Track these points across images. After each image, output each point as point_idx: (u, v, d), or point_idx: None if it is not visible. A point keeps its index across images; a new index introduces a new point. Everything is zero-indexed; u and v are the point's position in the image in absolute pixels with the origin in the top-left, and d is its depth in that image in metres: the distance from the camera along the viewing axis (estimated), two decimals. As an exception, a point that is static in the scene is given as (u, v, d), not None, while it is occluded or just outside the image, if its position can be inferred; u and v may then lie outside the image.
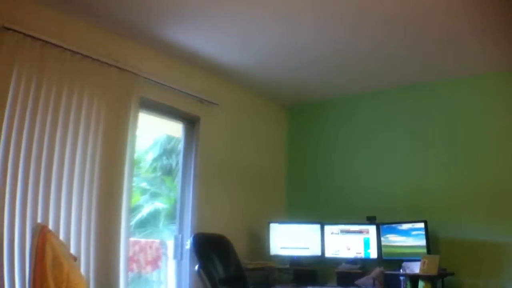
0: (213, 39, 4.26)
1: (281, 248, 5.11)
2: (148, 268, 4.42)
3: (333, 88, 5.46)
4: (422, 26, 3.95)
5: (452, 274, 4.40)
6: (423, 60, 4.65)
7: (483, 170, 4.70)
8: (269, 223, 5.15)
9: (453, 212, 4.74)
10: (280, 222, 5.20)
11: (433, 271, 4.20)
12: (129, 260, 4.06)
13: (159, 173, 5.21)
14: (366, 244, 4.88)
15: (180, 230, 4.61)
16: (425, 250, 4.43)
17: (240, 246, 4.80)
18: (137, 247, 4.46)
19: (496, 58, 4.52)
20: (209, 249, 4.21)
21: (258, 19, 3.91)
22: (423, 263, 4.29)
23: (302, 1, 3.62)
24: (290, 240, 5.12)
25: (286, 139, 6.03)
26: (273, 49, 4.49)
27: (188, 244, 4.35)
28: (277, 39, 4.27)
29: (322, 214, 5.28)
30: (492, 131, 4.73)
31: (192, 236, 4.28)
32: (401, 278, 4.43)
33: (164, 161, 5.15)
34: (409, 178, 5.07)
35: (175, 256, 4.54)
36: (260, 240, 5.19)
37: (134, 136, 4.00)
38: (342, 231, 5.00)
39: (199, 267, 3.96)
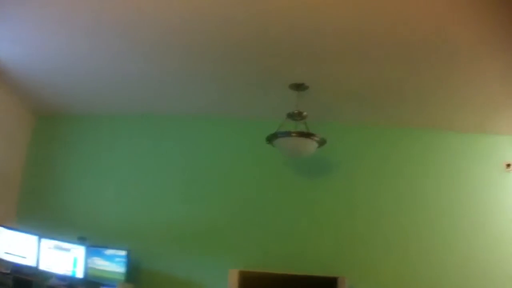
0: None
1: (5, 253, 4.94)
2: None
3: (86, 105, 5.47)
4: (194, 61, 4.18)
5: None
6: (178, 93, 4.93)
7: (199, 209, 5.21)
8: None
9: (162, 246, 5.12)
10: (4, 227, 4.99)
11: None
12: None
13: None
14: (75, 262, 4.95)
15: None
16: (123, 278, 4.68)
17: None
18: None
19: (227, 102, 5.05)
20: None
21: (29, 18, 3.72)
22: (118, 291, 4.58)
23: (73, 15, 3.60)
24: (13, 246, 4.97)
25: (28, 145, 5.78)
26: (33, 54, 4.33)
27: None
28: (41, 44, 4.13)
29: (47, 226, 5.20)
30: (213, 173, 5.30)
31: None
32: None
33: None
34: (128, 206, 5.32)
35: None
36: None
37: None
38: (56, 247, 5.00)
39: None
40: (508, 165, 5.29)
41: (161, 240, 5.16)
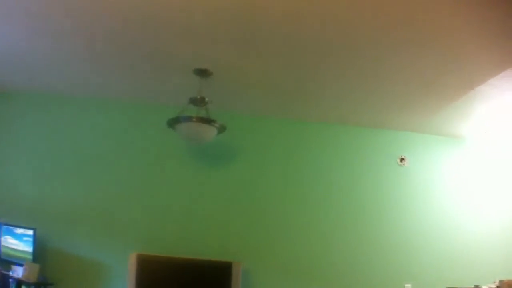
0: None
1: None
2: None
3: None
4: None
5: (52, 284, 4.78)
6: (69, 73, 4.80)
7: (103, 192, 5.20)
8: None
9: (68, 227, 5.09)
10: None
11: (33, 279, 4.55)
12: None
13: None
14: (-6, 240, 4.93)
15: None
16: (31, 257, 4.68)
17: None
18: None
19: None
20: None
21: None
22: (25, 269, 4.60)
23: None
24: None
25: None
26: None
27: None
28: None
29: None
30: (115, 156, 5.30)
31: None
32: (11, 280, 4.67)
33: None
34: (37, 185, 5.21)
35: None
36: None
37: None
38: (-25, 223, 4.96)
39: None
40: (402, 159, 5.39)
41: (67, 222, 5.14)
